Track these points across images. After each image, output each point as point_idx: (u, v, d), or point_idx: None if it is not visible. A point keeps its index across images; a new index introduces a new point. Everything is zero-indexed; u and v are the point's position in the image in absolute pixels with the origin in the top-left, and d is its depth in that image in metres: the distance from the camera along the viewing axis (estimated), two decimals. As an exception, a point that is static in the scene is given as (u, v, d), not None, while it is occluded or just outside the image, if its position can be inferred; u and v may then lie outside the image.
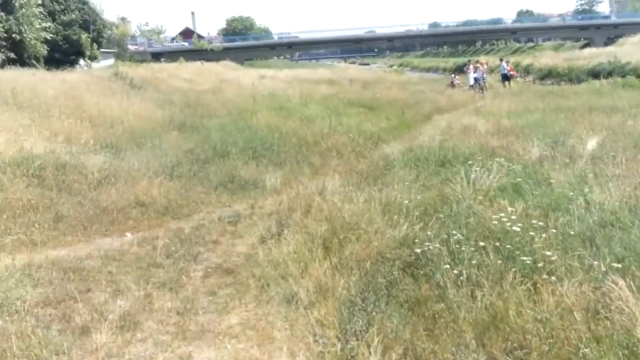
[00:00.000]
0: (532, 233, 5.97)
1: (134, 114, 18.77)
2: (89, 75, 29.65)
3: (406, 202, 7.66)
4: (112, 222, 8.88)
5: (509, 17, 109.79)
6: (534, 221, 6.34)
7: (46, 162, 10.77)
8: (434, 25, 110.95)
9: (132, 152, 13.16)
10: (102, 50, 52.57)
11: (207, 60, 63.59)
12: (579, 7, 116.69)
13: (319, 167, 12.74)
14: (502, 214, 6.50)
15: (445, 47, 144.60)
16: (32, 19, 35.30)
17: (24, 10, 34.47)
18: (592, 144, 10.68)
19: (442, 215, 7.06)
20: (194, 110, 22.28)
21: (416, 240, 6.37)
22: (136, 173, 11.09)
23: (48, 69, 31.12)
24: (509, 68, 35.93)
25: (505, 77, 35.12)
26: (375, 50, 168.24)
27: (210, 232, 8.49)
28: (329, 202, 8.17)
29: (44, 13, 38.67)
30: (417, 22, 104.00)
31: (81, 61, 46.50)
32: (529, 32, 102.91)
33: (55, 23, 42.27)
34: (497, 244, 5.90)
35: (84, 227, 8.56)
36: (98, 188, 10.22)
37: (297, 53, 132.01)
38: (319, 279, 5.88)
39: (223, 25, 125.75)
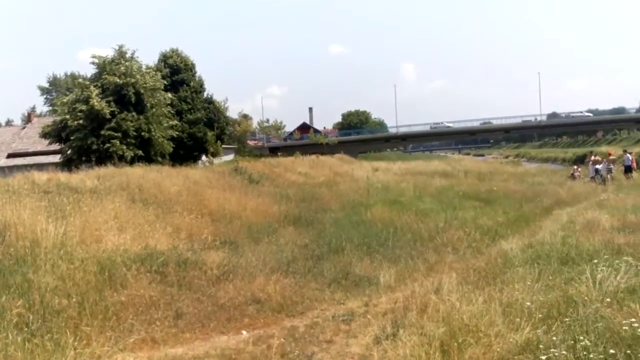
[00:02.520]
0: (667, 340, 5.55)
1: (252, 209, 19.27)
2: (211, 171, 30.85)
3: (528, 303, 7.32)
4: (229, 319, 9.01)
5: (632, 107, 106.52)
6: (668, 327, 5.90)
7: (169, 259, 11.17)
8: (553, 115, 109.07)
9: (250, 248, 13.47)
10: (223, 146, 54.76)
11: (322, 153, 64.98)
12: None
13: (434, 263, 12.48)
14: (633, 319, 6.09)
15: (564, 137, 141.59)
16: (161, 118, 37.33)
17: (154, 110, 36.55)
18: None
19: (567, 319, 6.68)
20: (309, 204, 22.60)
21: (540, 346, 6.04)
22: (253, 269, 11.32)
23: (172, 165, 32.63)
24: (632, 159, 34.71)
25: (629, 169, 33.87)
26: (491, 140, 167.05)
27: (324, 331, 8.42)
28: (446, 301, 7.93)
29: (172, 112, 40.81)
30: (534, 112, 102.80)
31: (203, 157, 48.57)
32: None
33: (182, 121, 44.50)
34: (629, 351, 5.52)
35: (202, 324, 8.72)
36: (217, 284, 10.45)
37: (411, 145, 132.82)
38: (437, 385, 5.66)
39: (339, 119, 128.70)
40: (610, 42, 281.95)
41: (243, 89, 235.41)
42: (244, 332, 8.49)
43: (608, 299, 7.13)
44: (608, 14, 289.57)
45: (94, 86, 34.47)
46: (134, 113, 34.88)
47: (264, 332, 8.43)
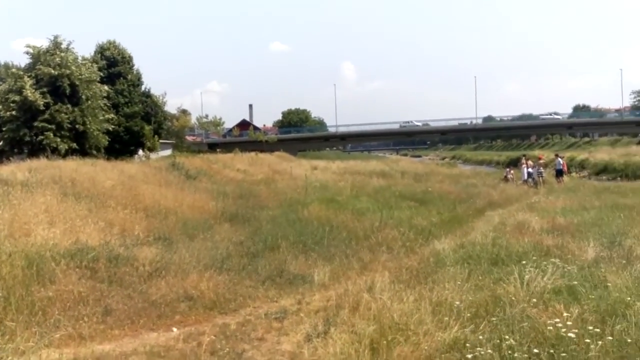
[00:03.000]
0: (587, 340, 5.73)
1: (188, 204, 19.08)
2: (147, 166, 30.44)
3: (457, 302, 7.46)
4: (160, 316, 8.87)
5: (564, 112, 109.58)
6: (590, 327, 6.09)
7: (100, 254, 10.93)
8: (488, 119, 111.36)
9: (184, 244, 13.31)
10: (161, 141, 54.17)
11: (262, 151, 64.85)
12: (636, 102, 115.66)
13: (368, 262, 12.56)
14: (557, 319, 6.26)
15: (498, 140, 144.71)
16: (96, 111, 36.72)
17: (89, 102, 35.94)
18: (650, 245, 10.37)
19: (494, 318, 6.83)
20: (246, 201, 22.51)
21: (467, 345, 6.16)
22: (187, 266, 11.16)
23: (108, 159, 32.14)
24: (563, 163, 35.81)
25: (560, 173, 34.88)
26: (428, 142, 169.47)
27: (256, 329, 8.37)
28: (377, 300, 7.99)
29: (109, 105, 40.22)
30: (470, 115, 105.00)
31: (140, 151, 47.98)
32: (585, 127, 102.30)
33: (118, 115, 43.88)
34: (552, 351, 5.67)
35: (131, 321, 8.57)
36: (148, 281, 10.27)
37: (350, 145, 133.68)
38: (366, 383, 5.70)
39: (279, 117, 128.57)
40: (543, 47, 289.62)
41: (182, 84, 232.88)
42: (175, 329, 8.38)
43: (534, 300, 7.32)
44: (541, 20, 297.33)
45: (28, 76, 33.78)
46: (68, 105, 34.29)
47: (195, 329, 8.35)
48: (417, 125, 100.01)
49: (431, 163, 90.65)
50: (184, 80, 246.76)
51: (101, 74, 39.87)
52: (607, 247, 10.89)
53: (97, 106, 37.13)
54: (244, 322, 8.74)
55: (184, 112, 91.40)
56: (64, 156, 29.79)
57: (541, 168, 34.60)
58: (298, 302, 9.79)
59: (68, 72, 34.32)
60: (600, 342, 5.69)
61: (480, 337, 6.24)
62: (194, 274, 10.65)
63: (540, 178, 33.56)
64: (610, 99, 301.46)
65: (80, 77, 35.21)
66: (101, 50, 49.24)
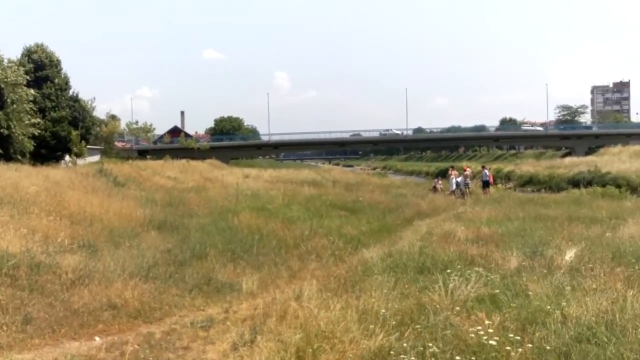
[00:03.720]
0: (508, 347, 5.85)
1: (115, 212, 18.67)
2: (74, 172, 29.73)
3: (383, 310, 7.50)
4: (82, 325, 8.65)
5: (492, 125, 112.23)
6: (510, 335, 6.22)
7: (20, 262, 10.59)
8: (419, 130, 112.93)
9: (109, 252, 13.03)
10: (88, 146, 53.09)
11: (193, 158, 64.17)
12: (561, 117, 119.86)
13: (297, 270, 12.57)
14: (479, 327, 6.38)
15: (428, 151, 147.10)
16: (22, 115, 35.78)
17: (15, 106, 34.99)
18: (570, 255, 10.68)
19: (419, 326, 6.90)
20: (175, 209, 22.19)
21: (391, 352, 6.20)
22: (111, 274, 10.93)
23: (33, 164, 31.28)
24: (489, 175, 36.65)
25: (487, 184, 35.67)
26: (360, 152, 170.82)
27: (181, 338, 8.25)
28: (305, 308, 7.98)
29: (35, 109, 39.22)
30: (401, 126, 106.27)
31: (66, 157, 46.91)
32: (511, 140, 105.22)
33: (45, 119, 42.84)
34: (474, 358, 5.77)
35: (52, 330, 8.33)
36: (71, 289, 10.01)
37: (283, 153, 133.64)
38: (291, 391, 5.68)
39: (212, 124, 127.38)
40: (472, 62, 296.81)
41: (112, 89, 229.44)
42: (97, 339, 8.18)
43: (458, 308, 7.43)
44: (470, 36, 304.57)
45: (-50, 79, 32.65)
46: (-7, 109, 33.28)
47: (118, 338, 8.17)
48: (397, 134, 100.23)
49: (362, 173, 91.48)
50: (113, 86, 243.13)
51: (28, 77, 38.88)
52: (530, 256, 11.14)
53: (22, 110, 36.22)
54: (169, 331, 8.61)
55: (113, 117, 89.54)
56: (-14, 161, 28.93)
57: (468, 179, 35.27)
58: (225, 310, 9.71)
59: (-7, 74, 33.43)
60: (520, 350, 5.82)
61: (405, 344, 6.28)
62: (119, 283, 10.43)
63: (467, 189, 34.24)
64: (536, 113, 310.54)
65: (5, 80, 34.31)
66: (28, 54, 48.04)
